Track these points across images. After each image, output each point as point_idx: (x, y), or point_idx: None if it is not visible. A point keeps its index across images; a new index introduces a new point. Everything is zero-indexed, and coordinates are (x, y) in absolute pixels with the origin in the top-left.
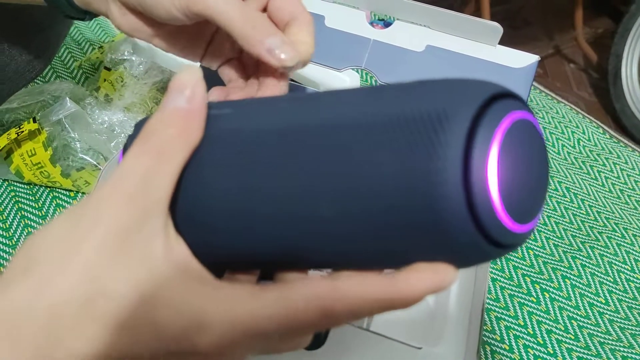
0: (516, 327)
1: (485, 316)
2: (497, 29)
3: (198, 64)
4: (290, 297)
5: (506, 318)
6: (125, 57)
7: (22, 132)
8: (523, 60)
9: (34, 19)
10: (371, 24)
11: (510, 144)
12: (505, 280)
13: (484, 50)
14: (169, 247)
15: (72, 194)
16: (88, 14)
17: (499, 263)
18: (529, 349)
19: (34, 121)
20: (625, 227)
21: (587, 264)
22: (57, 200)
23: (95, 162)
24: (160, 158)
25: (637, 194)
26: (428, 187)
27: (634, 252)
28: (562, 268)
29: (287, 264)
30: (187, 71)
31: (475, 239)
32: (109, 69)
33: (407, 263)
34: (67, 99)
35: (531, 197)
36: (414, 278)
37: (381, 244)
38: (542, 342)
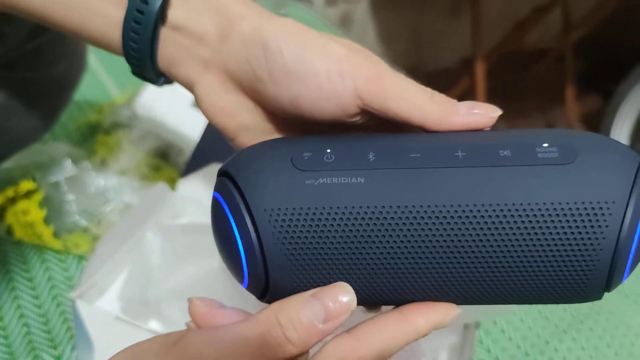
0: None
1: None
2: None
3: None
4: None
5: None
6: (124, 122)
7: (20, 191)
8: None
9: (45, 85)
10: None
11: None
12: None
13: None
14: None
15: (61, 258)
16: (164, 78)
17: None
18: None
19: (33, 181)
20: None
21: (577, 338)
22: (47, 263)
23: (88, 225)
24: None
25: None
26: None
27: None
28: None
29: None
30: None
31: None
32: (107, 133)
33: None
34: (69, 161)
35: None
36: None
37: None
38: None
